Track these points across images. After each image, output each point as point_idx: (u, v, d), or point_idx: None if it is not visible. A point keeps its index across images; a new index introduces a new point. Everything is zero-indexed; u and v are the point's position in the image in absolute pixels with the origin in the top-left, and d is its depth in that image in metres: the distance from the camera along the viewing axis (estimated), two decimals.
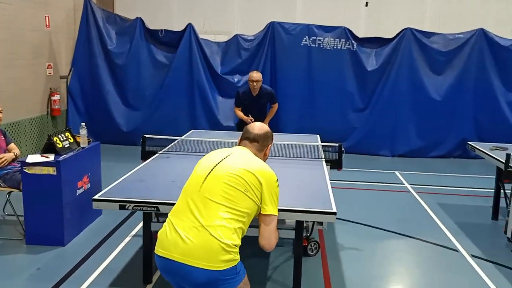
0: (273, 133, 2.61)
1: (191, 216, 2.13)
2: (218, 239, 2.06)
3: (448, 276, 3.72)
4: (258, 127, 2.50)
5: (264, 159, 2.49)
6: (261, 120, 5.88)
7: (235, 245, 2.12)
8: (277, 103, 6.15)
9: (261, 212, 2.26)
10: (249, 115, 5.87)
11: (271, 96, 6.05)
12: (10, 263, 3.71)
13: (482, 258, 4.04)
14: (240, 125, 5.93)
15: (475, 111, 8.19)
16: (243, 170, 2.21)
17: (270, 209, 2.25)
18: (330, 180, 3.49)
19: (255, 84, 5.78)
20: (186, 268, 2.05)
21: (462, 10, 8.84)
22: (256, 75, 5.84)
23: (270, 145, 2.53)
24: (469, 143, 5.42)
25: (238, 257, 2.14)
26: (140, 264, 3.44)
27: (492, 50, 8.02)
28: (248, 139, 2.45)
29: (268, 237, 2.27)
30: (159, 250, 2.15)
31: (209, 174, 2.24)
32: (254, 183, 2.20)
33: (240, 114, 5.93)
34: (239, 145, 2.49)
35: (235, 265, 2.12)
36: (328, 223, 4.34)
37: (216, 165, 2.27)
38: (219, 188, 2.17)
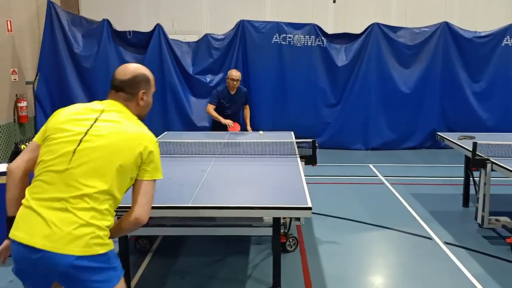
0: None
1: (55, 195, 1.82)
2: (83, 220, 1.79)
3: (423, 263, 3.81)
4: (123, 71, 2.07)
5: (141, 109, 2.09)
6: (236, 119, 5.93)
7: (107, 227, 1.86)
8: (248, 105, 6.18)
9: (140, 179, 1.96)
10: (232, 119, 5.78)
11: (246, 96, 6.08)
12: None
13: (454, 245, 4.16)
14: (216, 126, 5.86)
15: (442, 102, 8.43)
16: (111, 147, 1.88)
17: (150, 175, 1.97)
18: (305, 175, 3.51)
19: (235, 82, 5.76)
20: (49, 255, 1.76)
21: (426, 4, 9.06)
22: (236, 73, 5.84)
23: (143, 91, 2.07)
24: (438, 133, 5.57)
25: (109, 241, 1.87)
26: None
27: (456, 42, 8.27)
28: (114, 87, 2.07)
29: (147, 204, 1.96)
30: (14, 234, 1.83)
31: (75, 149, 1.87)
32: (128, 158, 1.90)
33: (215, 113, 5.79)
34: (108, 96, 2.10)
35: (107, 252, 1.84)
36: (306, 218, 4.37)
37: (82, 138, 1.89)
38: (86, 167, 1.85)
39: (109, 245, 1.87)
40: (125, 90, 2.05)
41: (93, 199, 1.83)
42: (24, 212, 1.85)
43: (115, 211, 1.96)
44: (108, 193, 1.87)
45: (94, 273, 1.80)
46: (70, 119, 1.97)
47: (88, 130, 1.92)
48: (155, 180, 2.01)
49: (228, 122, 5.70)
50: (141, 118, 2.11)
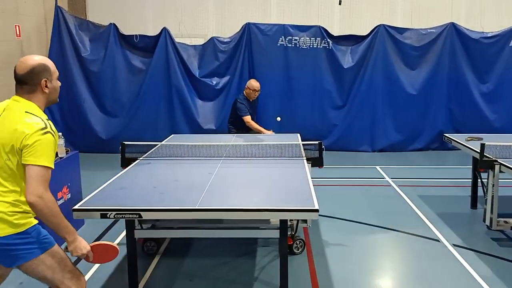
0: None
1: None
2: None
3: (431, 266, 3.79)
4: (22, 65, 2.20)
5: (48, 96, 2.27)
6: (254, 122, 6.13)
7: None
8: None
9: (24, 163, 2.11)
10: (243, 125, 5.97)
11: (258, 100, 6.42)
12: None
13: (463, 247, 4.13)
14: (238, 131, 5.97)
15: (449, 103, 8.38)
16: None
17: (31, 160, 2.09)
18: (312, 178, 3.51)
19: (257, 93, 6.19)
20: None
21: (433, 4, 9.02)
22: (257, 84, 6.24)
23: (45, 80, 2.22)
24: (446, 135, 5.54)
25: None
26: (125, 272, 3.40)
27: (463, 43, 8.22)
28: (17, 81, 2.22)
29: (33, 185, 2.08)
30: None
31: None
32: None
33: (257, 126, 5.92)
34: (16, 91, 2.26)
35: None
36: (313, 220, 4.37)
37: None
38: None
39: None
40: (27, 83, 2.19)
41: None
42: None
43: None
44: None
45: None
46: None
47: None
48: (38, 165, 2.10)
49: (270, 133, 5.83)
50: (52, 102, 2.33)
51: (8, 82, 7.11)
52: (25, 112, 2.15)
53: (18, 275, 3.61)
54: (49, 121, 2.20)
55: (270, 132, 5.84)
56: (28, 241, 2.16)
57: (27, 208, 2.15)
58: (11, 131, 2.11)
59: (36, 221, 2.20)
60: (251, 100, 6.16)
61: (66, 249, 2.29)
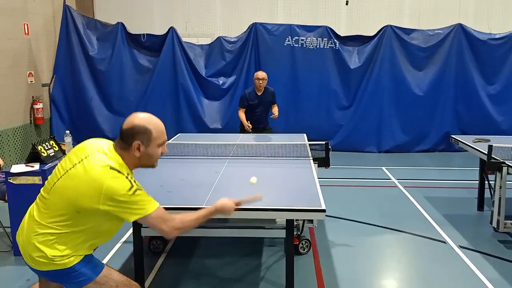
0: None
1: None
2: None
3: (437, 267, 3.78)
4: (127, 120, 2.15)
5: (139, 160, 2.16)
6: (265, 119, 6.07)
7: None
8: (276, 104, 6.18)
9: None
10: (248, 122, 5.88)
11: (273, 95, 6.12)
12: None
13: (469, 249, 4.11)
14: (244, 129, 5.92)
15: (456, 104, 8.34)
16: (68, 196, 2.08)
17: (131, 217, 2.07)
18: (318, 178, 3.51)
19: (261, 82, 5.89)
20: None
21: (440, 5, 8.99)
22: (261, 73, 5.99)
23: (138, 142, 2.10)
24: (453, 136, 5.52)
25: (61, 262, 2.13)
26: (132, 270, 3.42)
27: (470, 44, 8.18)
28: (119, 133, 2.17)
29: (160, 228, 2.12)
30: None
31: (55, 182, 2.15)
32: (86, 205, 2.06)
33: (242, 116, 5.92)
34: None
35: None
36: (319, 220, 4.37)
37: (60, 177, 2.14)
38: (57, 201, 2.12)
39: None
40: (122, 139, 2.12)
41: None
42: None
43: None
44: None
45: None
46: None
47: (70, 169, 2.14)
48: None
49: (247, 124, 5.80)
50: (145, 167, 2.22)
51: (16, 81, 7.18)
52: (110, 169, 2.04)
53: (25, 272, 3.65)
54: (130, 175, 2.10)
55: (247, 124, 5.77)
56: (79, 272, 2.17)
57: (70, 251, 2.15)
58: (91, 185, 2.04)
59: (79, 258, 2.17)
60: (259, 93, 5.96)
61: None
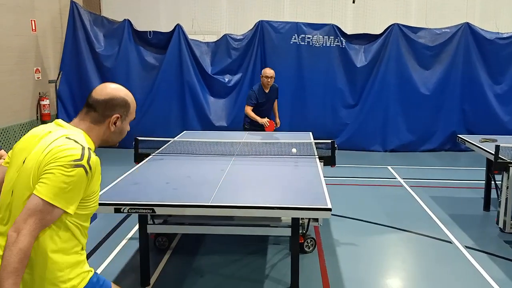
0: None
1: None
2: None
3: (443, 267, 3.76)
4: (100, 90, 1.83)
5: (110, 135, 1.87)
6: (270, 115, 6.07)
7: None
8: (276, 100, 6.26)
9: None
10: (265, 117, 5.86)
11: (277, 91, 6.19)
12: None
13: (475, 249, 4.10)
14: (252, 127, 5.89)
15: (463, 104, 8.30)
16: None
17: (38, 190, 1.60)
18: (324, 176, 3.51)
19: (269, 80, 5.90)
20: None
21: (447, 4, 8.93)
22: (270, 71, 5.97)
23: (117, 116, 1.83)
24: (459, 136, 5.49)
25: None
26: (137, 266, 3.44)
27: (477, 43, 8.13)
28: (87, 105, 1.83)
29: (22, 218, 1.57)
30: None
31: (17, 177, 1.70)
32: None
33: (253, 114, 5.86)
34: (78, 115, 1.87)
35: None
36: (324, 219, 4.37)
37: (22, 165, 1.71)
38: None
39: None
40: (97, 110, 1.82)
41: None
42: None
43: None
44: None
45: None
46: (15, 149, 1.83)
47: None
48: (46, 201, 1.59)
49: (264, 121, 5.77)
50: (110, 144, 1.93)
51: (23, 77, 7.21)
52: (66, 138, 1.70)
53: None
54: (92, 153, 1.71)
55: (265, 121, 5.76)
56: None
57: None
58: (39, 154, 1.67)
59: (91, 274, 1.81)
60: (266, 91, 5.95)
61: None
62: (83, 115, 1.83)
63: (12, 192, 1.69)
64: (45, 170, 1.62)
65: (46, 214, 1.58)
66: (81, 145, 1.69)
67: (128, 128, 1.94)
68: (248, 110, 5.90)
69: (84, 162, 1.65)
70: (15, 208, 1.65)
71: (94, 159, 1.71)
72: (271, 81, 5.92)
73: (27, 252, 1.54)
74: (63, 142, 1.68)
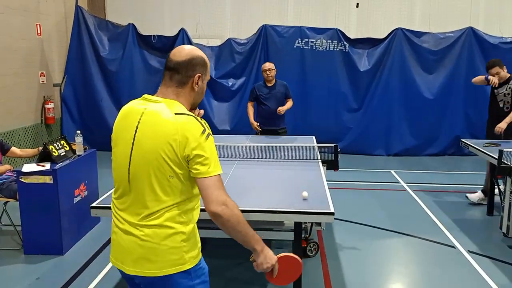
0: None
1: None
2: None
3: (446, 272, 3.75)
4: (179, 52, 1.87)
5: (195, 95, 1.92)
6: (278, 116, 5.83)
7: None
8: (291, 99, 6.06)
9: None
10: (271, 116, 5.79)
11: (286, 89, 6.00)
12: (9, 274, 3.69)
13: (478, 254, 4.08)
14: (261, 126, 5.89)
15: (466, 108, 8.28)
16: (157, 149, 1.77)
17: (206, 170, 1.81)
18: (327, 180, 3.51)
19: (268, 72, 5.84)
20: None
21: (451, 8, 8.93)
22: (268, 64, 5.96)
23: (199, 75, 1.88)
24: (463, 140, 5.49)
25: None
26: None
27: (481, 48, 8.13)
28: (168, 69, 1.88)
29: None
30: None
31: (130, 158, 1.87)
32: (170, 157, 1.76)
33: (249, 112, 5.93)
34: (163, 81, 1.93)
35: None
36: (327, 223, 4.37)
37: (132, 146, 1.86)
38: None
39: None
40: (180, 72, 1.85)
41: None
42: None
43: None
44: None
45: None
46: (118, 128, 2.01)
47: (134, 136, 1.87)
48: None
49: (254, 125, 5.81)
50: (194, 107, 1.97)
51: (28, 80, 7.26)
52: (175, 114, 1.78)
53: (34, 269, 3.70)
54: (203, 120, 1.84)
55: (255, 125, 5.78)
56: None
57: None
58: (165, 138, 1.75)
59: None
60: (269, 85, 5.89)
61: (253, 260, 1.93)
62: (168, 81, 1.88)
63: (129, 166, 1.86)
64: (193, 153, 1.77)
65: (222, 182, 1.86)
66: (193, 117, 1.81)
67: (205, 87, 1.98)
68: (248, 105, 6.01)
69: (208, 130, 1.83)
70: (136, 180, 1.83)
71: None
72: (270, 73, 5.83)
73: (238, 208, 1.85)
74: (186, 119, 1.78)
